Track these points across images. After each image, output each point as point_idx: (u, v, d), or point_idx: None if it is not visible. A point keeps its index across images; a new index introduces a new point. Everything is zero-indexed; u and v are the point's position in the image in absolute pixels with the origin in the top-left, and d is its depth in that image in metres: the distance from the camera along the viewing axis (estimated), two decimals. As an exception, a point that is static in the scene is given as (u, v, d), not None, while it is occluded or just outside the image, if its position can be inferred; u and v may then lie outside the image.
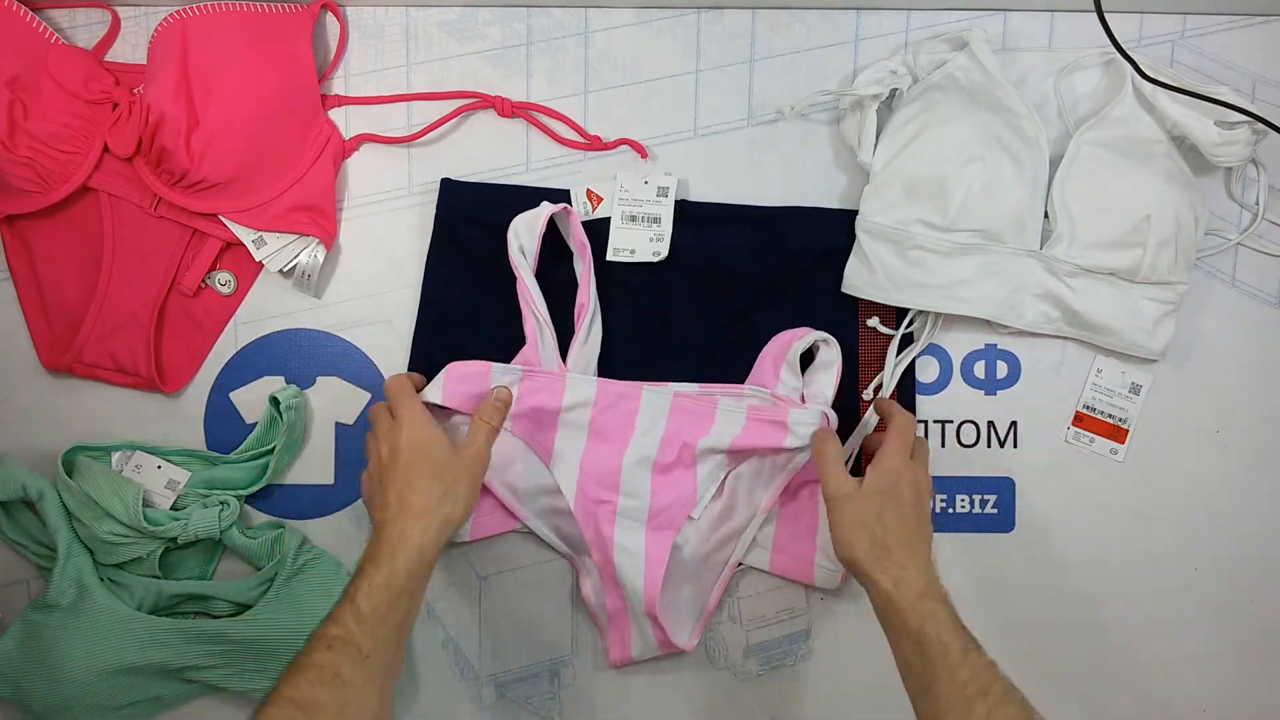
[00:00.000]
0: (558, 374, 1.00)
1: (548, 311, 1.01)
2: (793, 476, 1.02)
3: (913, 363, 1.05)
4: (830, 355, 1.02)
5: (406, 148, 1.06)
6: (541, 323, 1.01)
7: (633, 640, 1.03)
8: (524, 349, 1.02)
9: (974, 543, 1.06)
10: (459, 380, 0.98)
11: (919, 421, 1.06)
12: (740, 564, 1.04)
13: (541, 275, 1.02)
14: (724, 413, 1.00)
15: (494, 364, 0.99)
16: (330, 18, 1.05)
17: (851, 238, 1.03)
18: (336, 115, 1.06)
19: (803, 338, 1.01)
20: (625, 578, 1.00)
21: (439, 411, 0.99)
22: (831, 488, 0.93)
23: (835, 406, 1.02)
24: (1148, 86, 1.00)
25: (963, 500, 1.06)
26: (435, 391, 0.98)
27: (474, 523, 1.03)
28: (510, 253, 1.00)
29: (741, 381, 1.03)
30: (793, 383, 1.01)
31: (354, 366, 1.06)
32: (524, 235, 1.01)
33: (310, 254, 1.04)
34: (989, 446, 1.06)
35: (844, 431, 1.02)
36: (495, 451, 0.99)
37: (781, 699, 1.06)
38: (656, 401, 1.01)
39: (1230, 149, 0.99)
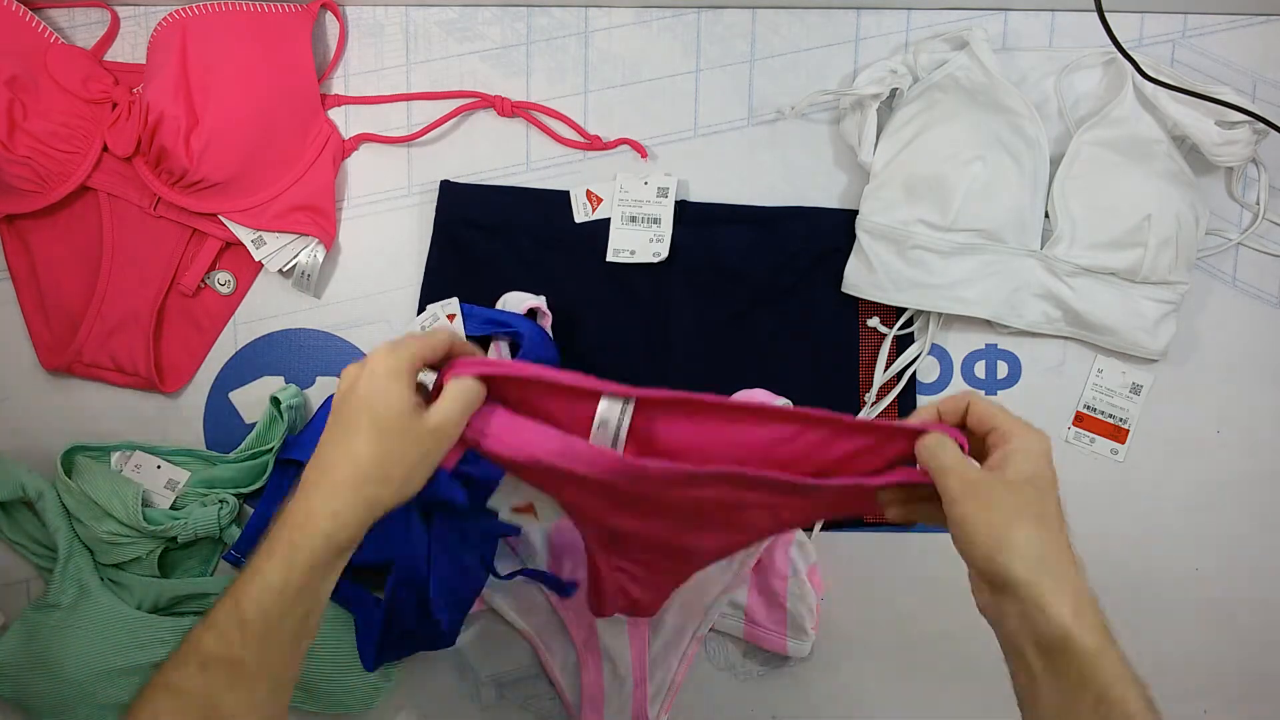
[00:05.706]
0: None
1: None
2: (763, 553, 1.01)
3: (912, 362, 1.04)
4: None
5: (406, 147, 1.06)
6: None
7: (607, 715, 1.02)
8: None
9: (974, 543, 1.06)
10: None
11: (919, 421, 1.06)
12: (710, 632, 1.04)
13: (539, 268, 1.03)
14: None
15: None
16: (330, 17, 1.05)
17: (851, 238, 1.03)
18: (336, 115, 1.06)
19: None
20: (609, 643, 1.00)
21: None
22: (963, 482, 0.69)
23: (835, 405, 1.02)
24: (1148, 86, 0.99)
25: (963, 500, 1.06)
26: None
27: None
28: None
29: (741, 378, 1.02)
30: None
31: (354, 366, 1.06)
32: (511, 305, 1.01)
33: (310, 254, 1.03)
34: (989, 446, 1.06)
35: None
36: None
37: (781, 699, 1.06)
38: None
39: (1231, 149, 0.99)
